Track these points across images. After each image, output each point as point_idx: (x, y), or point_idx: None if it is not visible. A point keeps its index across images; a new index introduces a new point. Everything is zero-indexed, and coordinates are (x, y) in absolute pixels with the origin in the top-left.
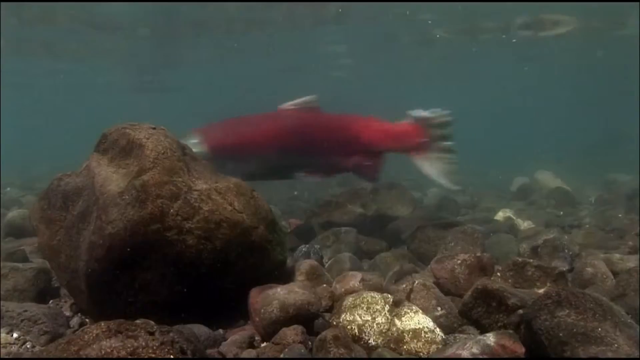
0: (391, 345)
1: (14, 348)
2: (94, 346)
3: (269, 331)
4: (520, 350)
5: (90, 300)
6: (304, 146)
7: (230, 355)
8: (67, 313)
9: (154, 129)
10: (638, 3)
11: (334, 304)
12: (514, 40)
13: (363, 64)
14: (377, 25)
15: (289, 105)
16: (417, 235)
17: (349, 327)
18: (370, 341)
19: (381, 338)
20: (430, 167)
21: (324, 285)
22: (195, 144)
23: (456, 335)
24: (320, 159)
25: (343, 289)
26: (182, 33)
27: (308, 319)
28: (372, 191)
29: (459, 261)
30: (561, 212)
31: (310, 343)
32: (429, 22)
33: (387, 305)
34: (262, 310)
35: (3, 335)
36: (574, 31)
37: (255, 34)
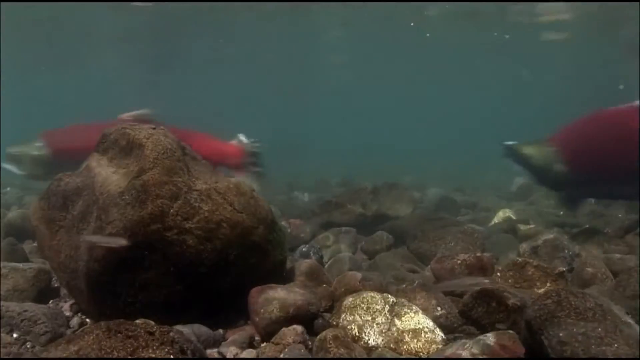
0: (391, 345)
1: (14, 348)
2: (94, 346)
3: (269, 331)
4: (520, 350)
5: (90, 300)
6: None
7: (230, 355)
8: (67, 313)
9: (154, 129)
10: (638, 3)
11: (334, 304)
12: (507, 36)
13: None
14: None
15: (126, 115)
16: (417, 235)
17: (349, 327)
18: (370, 341)
19: (381, 338)
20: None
21: (324, 285)
22: (39, 147)
23: (456, 335)
24: None
25: (343, 289)
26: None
27: (308, 319)
28: (372, 191)
29: (459, 261)
30: (561, 212)
31: (310, 343)
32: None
33: (387, 305)
34: (262, 310)
35: (3, 335)
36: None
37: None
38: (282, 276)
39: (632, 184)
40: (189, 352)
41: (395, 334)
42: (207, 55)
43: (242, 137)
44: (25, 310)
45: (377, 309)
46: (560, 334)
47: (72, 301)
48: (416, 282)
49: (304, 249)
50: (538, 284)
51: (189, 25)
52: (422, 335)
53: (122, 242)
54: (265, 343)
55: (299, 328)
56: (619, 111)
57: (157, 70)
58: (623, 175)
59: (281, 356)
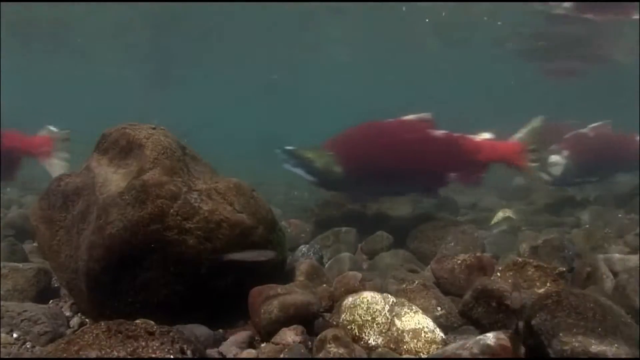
0: (391, 345)
1: (14, 348)
2: (94, 346)
3: (269, 331)
4: (521, 350)
5: (90, 300)
6: None
7: (230, 355)
8: (67, 313)
9: (154, 128)
10: (638, 3)
11: (334, 304)
12: (499, 23)
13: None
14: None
15: None
16: (417, 235)
17: (349, 327)
18: (370, 341)
19: (381, 338)
20: (51, 168)
21: (324, 285)
22: None
23: (456, 335)
24: None
25: (343, 289)
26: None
27: (308, 319)
28: None
29: (459, 261)
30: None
31: (310, 343)
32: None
33: (387, 305)
34: (262, 310)
35: (3, 335)
36: None
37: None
38: (282, 276)
39: (397, 184)
40: (189, 352)
41: (395, 334)
42: (203, 54)
43: (51, 128)
44: (25, 310)
45: (377, 309)
46: (560, 334)
47: (72, 301)
48: (416, 282)
49: (304, 249)
50: (538, 284)
51: (185, 23)
52: (422, 335)
53: (270, 254)
54: (265, 343)
55: (299, 328)
56: (389, 124)
57: (155, 68)
58: (390, 177)
59: (281, 356)
